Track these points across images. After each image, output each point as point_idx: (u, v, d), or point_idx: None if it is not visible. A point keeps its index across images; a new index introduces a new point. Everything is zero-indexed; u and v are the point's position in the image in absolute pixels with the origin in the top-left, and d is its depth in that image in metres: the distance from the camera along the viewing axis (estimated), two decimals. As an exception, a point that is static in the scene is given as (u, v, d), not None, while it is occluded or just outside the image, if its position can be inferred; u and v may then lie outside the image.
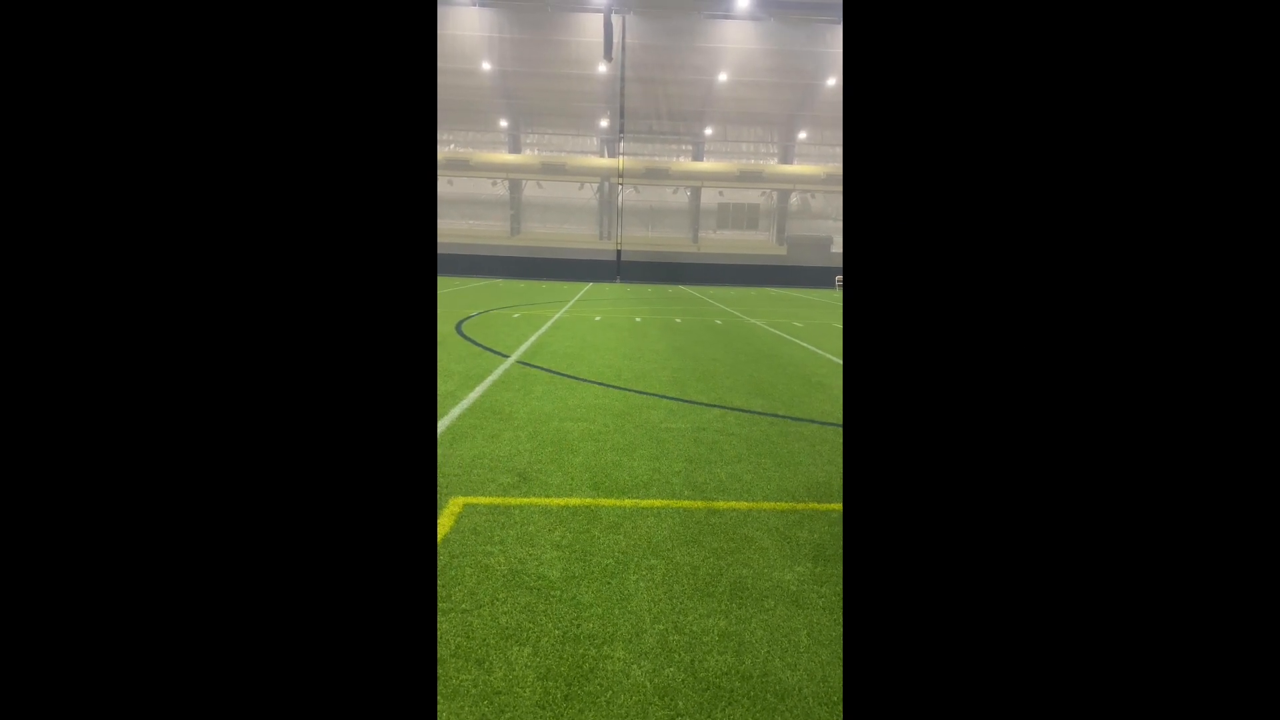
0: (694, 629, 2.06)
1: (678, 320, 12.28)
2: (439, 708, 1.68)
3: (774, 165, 34.87)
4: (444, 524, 2.77)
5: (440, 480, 3.28)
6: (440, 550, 2.54)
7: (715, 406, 5.12)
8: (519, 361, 6.93)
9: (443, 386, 5.48)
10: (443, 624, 2.04)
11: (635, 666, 1.87)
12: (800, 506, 3.13)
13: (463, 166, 32.81)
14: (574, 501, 3.09)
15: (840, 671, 1.90)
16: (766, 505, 3.14)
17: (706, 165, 34.36)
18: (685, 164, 34.38)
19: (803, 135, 34.96)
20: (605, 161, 33.81)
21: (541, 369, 6.52)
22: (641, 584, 2.34)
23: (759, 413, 4.98)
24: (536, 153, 34.95)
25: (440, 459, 3.62)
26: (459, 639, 1.96)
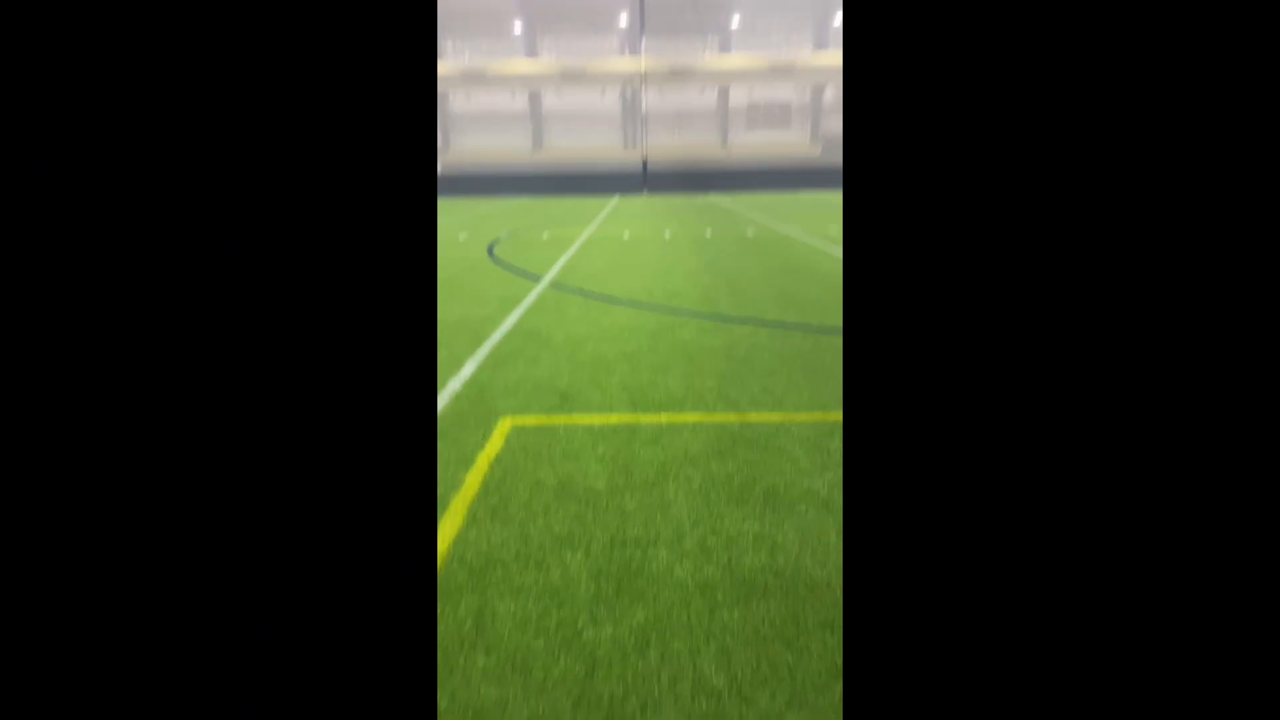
0: (730, 532, 2.25)
1: (708, 234, 12.07)
2: (505, 605, 1.91)
3: (806, 56, 32.58)
4: (495, 444, 2.98)
5: (488, 402, 3.48)
6: (493, 467, 2.76)
7: (747, 322, 5.17)
8: (551, 285, 7.02)
9: (481, 311, 5.65)
10: (502, 533, 2.27)
11: (678, 566, 2.07)
12: (831, 417, 3.25)
13: (479, 79, 31.60)
14: (614, 419, 3.27)
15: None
16: (798, 417, 3.26)
17: (734, 60, 32.30)
18: (711, 60, 32.39)
19: (837, 20, 32.35)
20: (627, 63, 32.07)
21: (574, 291, 6.61)
22: (680, 493, 2.52)
23: (791, 326, 5.02)
24: (555, 57, 33.30)
25: (486, 382, 3.82)
26: (518, 545, 2.19)
